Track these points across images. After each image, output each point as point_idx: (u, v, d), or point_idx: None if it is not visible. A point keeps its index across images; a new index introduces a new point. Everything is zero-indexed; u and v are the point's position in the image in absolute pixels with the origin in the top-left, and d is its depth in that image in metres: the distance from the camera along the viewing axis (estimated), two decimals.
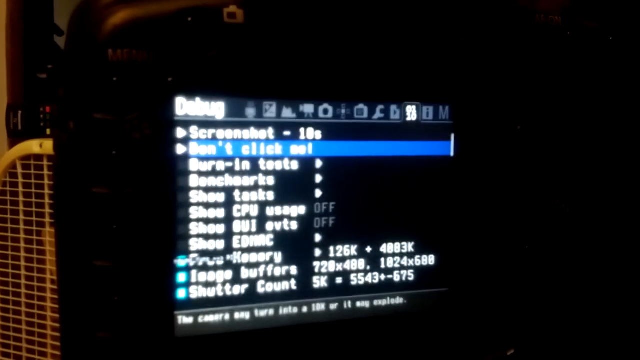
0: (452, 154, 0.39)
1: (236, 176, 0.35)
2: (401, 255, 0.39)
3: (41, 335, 0.75)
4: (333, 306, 0.38)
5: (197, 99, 0.34)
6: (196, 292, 0.35)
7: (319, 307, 0.37)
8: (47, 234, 0.75)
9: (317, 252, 0.37)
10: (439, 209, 0.39)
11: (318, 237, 0.37)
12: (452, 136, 0.39)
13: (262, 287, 0.36)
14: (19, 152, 0.74)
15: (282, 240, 0.36)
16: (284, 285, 0.36)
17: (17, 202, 0.76)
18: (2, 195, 0.76)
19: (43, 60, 0.86)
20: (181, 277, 0.34)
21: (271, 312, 0.36)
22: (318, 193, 0.37)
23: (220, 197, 0.35)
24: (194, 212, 0.34)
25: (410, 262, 0.39)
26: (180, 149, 0.34)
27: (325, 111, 0.37)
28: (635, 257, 0.40)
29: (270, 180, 0.36)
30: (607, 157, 0.41)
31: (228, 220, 0.35)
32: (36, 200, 0.75)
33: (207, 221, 0.35)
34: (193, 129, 0.34)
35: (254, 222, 0.36)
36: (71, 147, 0.33)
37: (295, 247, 0.37)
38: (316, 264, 0.37)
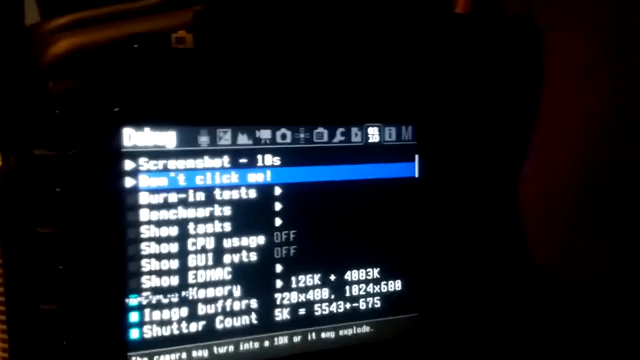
0: (416, 175, 0.38)
1: (190, 208, 0.34)
2: (367, 282, 0.38)
3: None
4: (297, 339, 0.36)
5: (146, 128, 0.33)
6: (150, 332, 0.33)
7: (282, 340, 0.36)
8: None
9: (279, 284, 0.36)
10: (405, 233, 0.38)
11: (279, 268, 0.36)
12: (417, 157, 0.38)
13: (220, 323, 0.35)
14: None
15: (241, 273, 0.35)
16: (244, 320, 0.35)
17: None
18: None
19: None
20: (133, 317, 0.33)
21: (231, 348, 0.35)
22: (278, 222, 0.35)
23: (174, 231, 0.33)
24: (146, 248, 0.33)
25: (377, 289, 0.38)
26: (128, 182, 0.32)
27: (283, 136, 0.35)
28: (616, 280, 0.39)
29: (227, 211, 0.34)
30: None
31: (182, 254, 0.34)
32: None
33: (159, 257, 0.33)
34: (142, 160, 0.33)
35: (210, 255, 0.34)
36: (13, 184, 0.31)
37: (255, 279, 0.35)
38: (277, 295, 0.36)
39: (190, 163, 0.34)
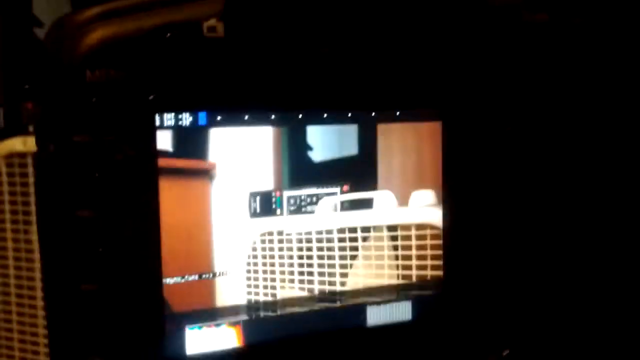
0: None
1: None
2: None
3: (33, 334, 0.75)
4: None
5: (180, 114, 0.34)
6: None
7: None
8: (35, 232, 0.74)
9: None
10: None
11: None
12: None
13: None
14: (2, 151, 0.73)
15: None
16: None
17: (2, 201, 0.75)
18: None
19: (23, 54, 0.84)
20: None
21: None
22: None
23: None
24: None
25: None
26: (163, 164, 0.33)
27: None
28: (632, 259, 0.40)
29: None
30: (601, 155, 0.41)
31: None
32: (22, 198, 0.74)
33: None
34: (175, 143, 0.34)
35: None
36: (52, 170, 0.32)
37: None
38: None
39: None
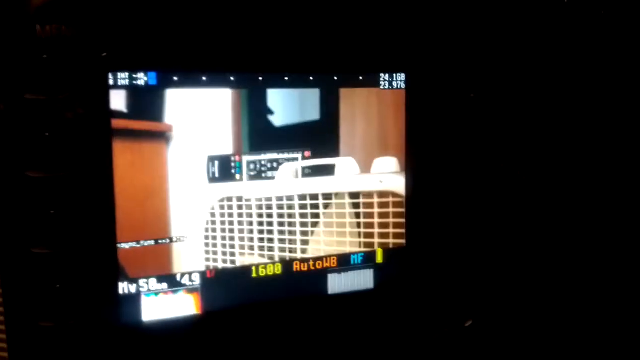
0: None
1: None
2: None
3: None
4: None
5: (134, 73, 0.32)
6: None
7: None
8: None
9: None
10: None
11: None
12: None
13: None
14: None
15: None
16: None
17: None
18: None
19: None
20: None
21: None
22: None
23: None
24: None
25: None
26: (117, 125, 0.32)
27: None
28: (592, 224, 0.40)
29: None
30: (563, 123, 0.41)
31: None
32: None
33: None
34: (129, 104, 0.33)
35: None
36: (2, 129, 0.31)
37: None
38: None
39: None
